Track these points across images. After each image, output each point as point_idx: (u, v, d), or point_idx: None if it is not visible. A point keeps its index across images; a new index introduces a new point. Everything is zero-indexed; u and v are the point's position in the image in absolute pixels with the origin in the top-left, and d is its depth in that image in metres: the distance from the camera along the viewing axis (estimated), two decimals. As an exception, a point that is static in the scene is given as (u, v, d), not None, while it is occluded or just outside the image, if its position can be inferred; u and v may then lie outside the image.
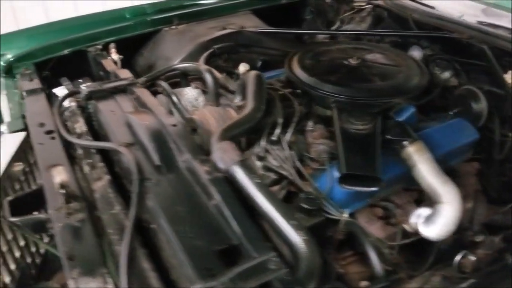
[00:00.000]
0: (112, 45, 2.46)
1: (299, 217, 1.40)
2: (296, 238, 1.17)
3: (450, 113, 2.06)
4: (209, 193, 1.31)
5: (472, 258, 1.55)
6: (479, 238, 1.73)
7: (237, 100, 1.90)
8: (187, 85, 2.26)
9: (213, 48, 2.43)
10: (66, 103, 1.99)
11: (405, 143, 1.64)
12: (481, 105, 2.00)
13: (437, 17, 2.46)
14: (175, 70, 2.23)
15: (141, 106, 1.81)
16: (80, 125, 1.83)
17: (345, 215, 1.54)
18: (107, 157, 1.63)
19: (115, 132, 1.67)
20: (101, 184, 1.49)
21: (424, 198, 1.76)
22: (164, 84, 2.06)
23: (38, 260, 1.99)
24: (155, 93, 2.13)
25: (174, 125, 1.58)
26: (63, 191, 1.30)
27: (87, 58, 2.51)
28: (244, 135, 1.64)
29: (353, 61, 1.94)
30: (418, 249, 1.71)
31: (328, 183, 1.61)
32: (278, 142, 1.66)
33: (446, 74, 2.17)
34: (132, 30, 2.60)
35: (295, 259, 1.16)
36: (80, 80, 2.44)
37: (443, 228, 1.54)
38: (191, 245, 1.13)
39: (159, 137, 1.56)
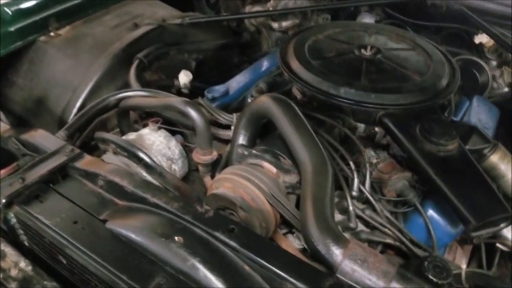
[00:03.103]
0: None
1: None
2: None
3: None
4: None
5: None
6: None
7: (241, 139, 1.30)
8: (128, 125, 1.52)
9: (138, 58, 1.68)
10: None
11: (486, 151, 1.32)
12: (486, 76, 1.80)
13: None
14: (108, 105, 1.47)
15: (118, 195, 1.07)
16: (16, 261, 1.02)
17: (463, 266, 1.18)
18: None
19: (104, 262, 0.93)
20: None
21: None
22: (112, 137, 1.30)
23: None
24: (89, 152, 1.37)
25: (233, 228, 0.94)
26: None
27: None
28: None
29: (367, 52, 1.48)
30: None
31: (421, 225, 1.23)
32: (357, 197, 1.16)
33: None
34: (-9, 51, 1.63)
35: None
36: None
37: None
38: None
39: (213, 255, 0.91)
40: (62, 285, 1.00)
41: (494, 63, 1.92)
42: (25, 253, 1.08)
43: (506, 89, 1.94)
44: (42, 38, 1.77)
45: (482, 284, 1.19)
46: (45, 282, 0.99)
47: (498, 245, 1.38)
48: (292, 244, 1.20)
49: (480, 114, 1.59)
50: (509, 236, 1.33)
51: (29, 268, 1.01)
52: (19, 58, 1.75)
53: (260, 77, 1.71)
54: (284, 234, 1.24)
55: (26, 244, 1.13)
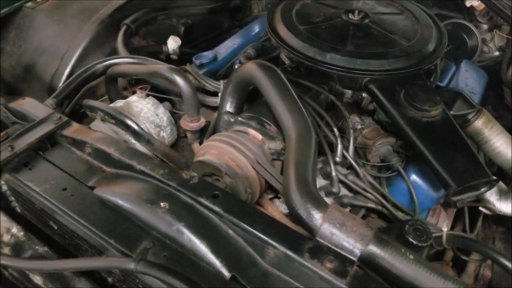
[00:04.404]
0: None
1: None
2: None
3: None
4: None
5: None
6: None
7: (228, 106, 1.31)
8: (117, 93, 1.52)
9: (125, 24, 1.67)
10: None
11: (470, 116, 1.33)
12: (475, 40, 1.79)
13: None
14: (96, 72, 1.47)
15: (106, 162, 1.10)
16: (8, 227, 1.05)
17: (445, 230, 1.22)
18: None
19: (93, 228, 0.96)
20: None
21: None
22: (99, 104, 1.31)
23: None
24: (80, 120, 1.39)
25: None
26: None
27: None
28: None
29: (354, 17, 1.47)
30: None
31: (404, 189, 1.26)
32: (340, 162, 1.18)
33: None
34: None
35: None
36: None
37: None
38: None
39: (198, 220, 0.94)
40: (53, 250, 1.04)
41: (485, 26, 1.91)
42: (17, 219, 1.12)
43: (496, 53, 1.94)
44: (29, 4, 1.74)
45: (462, 246, 1.24)
46: (36, 246, 1.02)
47: (481, 208, 1.42)
48: (278, 208, 1.23)
49: (467, 79, 1.59)
50: (491, 200, 1.37)
51: (21, 233, 1.05)
52: (6, 24, 1.73)
53: (249, 42, 1.70)
54: (271, 199, 1.28)
55: (18, 210, 1.16)
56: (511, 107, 1.95)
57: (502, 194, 1.36)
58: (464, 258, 1.41)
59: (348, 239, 0.87)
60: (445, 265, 1.51)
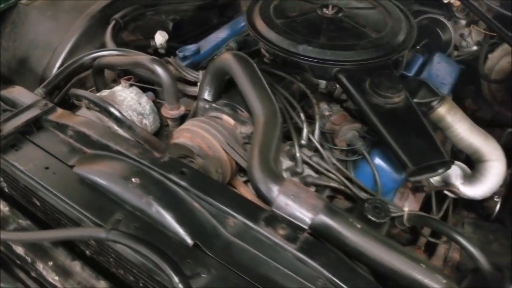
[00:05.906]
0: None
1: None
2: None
3: (417, 47, 1.87)
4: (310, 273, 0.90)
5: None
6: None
7: (206, 95, 1.39)
8: (104, 83, 1.61)
9: (114, 19, 1.76)
10: None
11: (434, 104, 1.40)
12: (449, 34, 1.86)
13: None
14: (84, 64, 1.56)
15: (86, 144, 1.18)
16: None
17: (406, 209, 1.29)
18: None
19: (72, 203, 1.05)
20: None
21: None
22: (85, 93, 1.40)
23: None
24: (70, 109, 1.47)
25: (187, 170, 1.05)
26: None
27: None
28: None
29: (328, 11, 1.55)
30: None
31: (369, 172, 1.33)
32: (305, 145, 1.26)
33: None
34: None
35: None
36: None
37: (491, 186, 1.41)
38: None
39: (166, 194, 1.02)
40: (37, 225, 1.13)
41: (463, 22, 1.97)
42: (6, 199, 1.20)
43: (474, 47, 2.00)
44: (23, 1, 1.84)
45: (423, 225, 1.30)
46: (20, 220, 1.11)
47: (446, 192, 1.49)
48: (250, 190, 1.31)
49: (439, 71, 1.66)
50: (456, 184, 1.44)
51: (6, 209, 1.13)
52: (2, 20, 1.83)
53: (233, 36, 1.78)
54: (245, 182, 1.35)
55: (7, 191, 1.25)
56: (489, 99, 2.02)
57: (466, 179, 1.43)
58: (432, 240, 1.48)
59: (301, 209, 0.94)
60: (417, 249, 1.57)
